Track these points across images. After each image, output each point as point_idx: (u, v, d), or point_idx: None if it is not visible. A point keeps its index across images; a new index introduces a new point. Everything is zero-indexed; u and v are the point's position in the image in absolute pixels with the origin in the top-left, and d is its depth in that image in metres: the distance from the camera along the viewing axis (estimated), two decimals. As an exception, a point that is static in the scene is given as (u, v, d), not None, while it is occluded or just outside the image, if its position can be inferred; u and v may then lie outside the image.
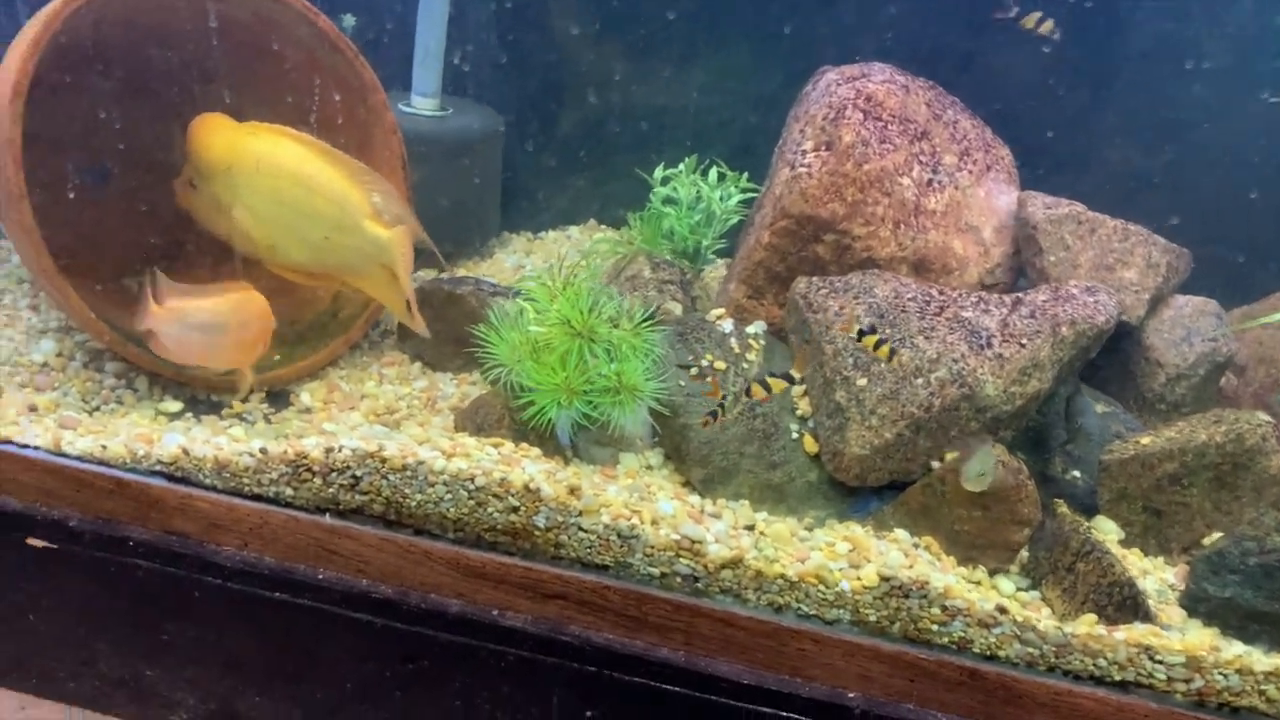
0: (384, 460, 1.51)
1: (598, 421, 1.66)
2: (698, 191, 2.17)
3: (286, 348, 2.00)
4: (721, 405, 1.54)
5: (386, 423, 1.87)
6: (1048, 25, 1.85)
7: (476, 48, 2.54)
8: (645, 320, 1.69)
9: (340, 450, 1.52)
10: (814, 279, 1.80)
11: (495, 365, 1.70)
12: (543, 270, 2.01)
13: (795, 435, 1.72)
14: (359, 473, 1.51)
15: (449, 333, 1.98)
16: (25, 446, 1.55)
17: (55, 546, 1.52)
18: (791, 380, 1.52)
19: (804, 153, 1.84)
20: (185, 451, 1.54)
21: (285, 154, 1.76)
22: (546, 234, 2.71)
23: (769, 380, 1.51)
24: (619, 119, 2.58)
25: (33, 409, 1.69)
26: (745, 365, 1.79)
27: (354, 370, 2.06)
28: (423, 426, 1.83)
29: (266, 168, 1.76)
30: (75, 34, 1.73)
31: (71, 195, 1.94)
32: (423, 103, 2.37)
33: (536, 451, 1.65)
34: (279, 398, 1.93)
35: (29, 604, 1.58)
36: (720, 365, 1.77)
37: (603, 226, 2.72)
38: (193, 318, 1.63)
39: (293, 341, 2.05)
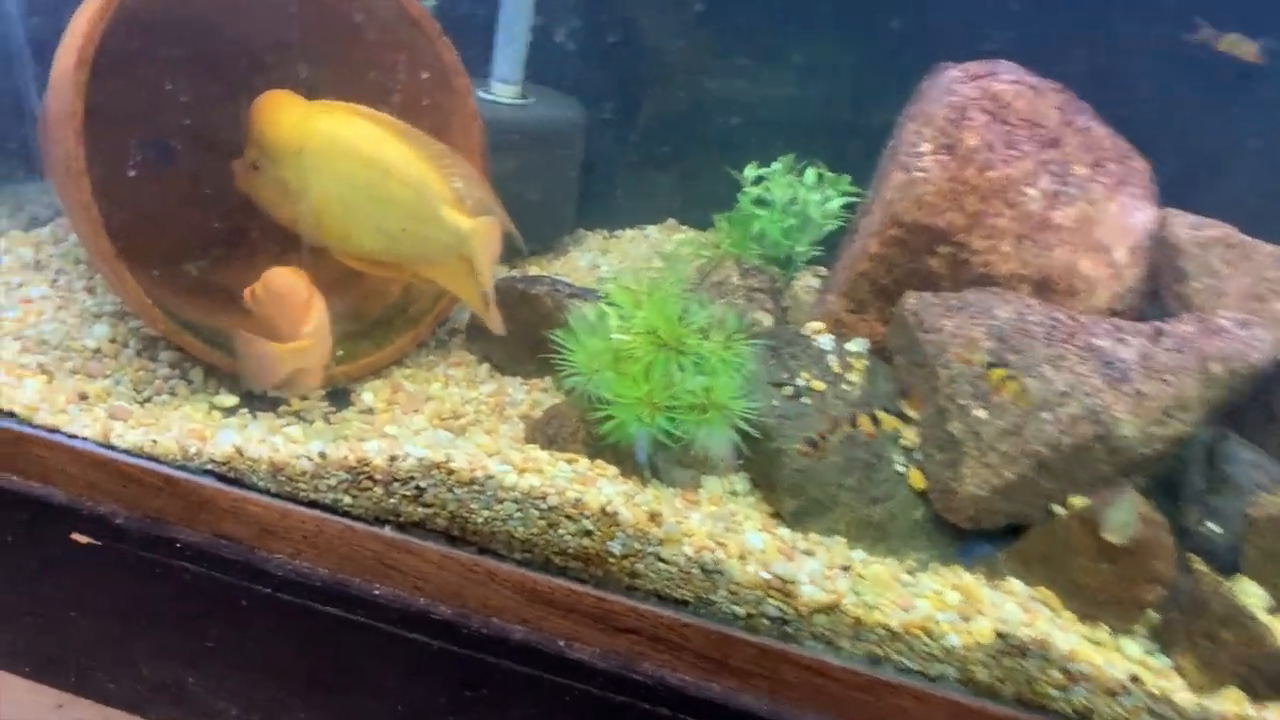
0: (451, 472, 1.44)
1: (681, 441, 1.56)
2: (794, 194, 2.06)
3: (350, 343, 1.92)
4: (823, 435, 1.43)
5: (452, 428, 1.79)
6: (1250, 49, 1.65)
7: (559, 32, 2.44)
8: (738, 332, 1.58)
9: (405, 459, 1.45)
10: (926, 295, 1.67)
11: (572, 373, 1.60)
12: (625, 272, 1.93)
13: (900, 468, 1.60)
14: (423, 484, 1.45)
15: (521, 335, 1.90)
16: (74, 437, 1.52)
17: (100, 543, 1.49)
18: (906, 419, 1.41)
19: (920, 155, 1.72)
20: (239, 451, 1.50)
21: (360, 135, 1.68)
22: (623, 233, 2.62)
23: (880, 415, 1.39)
24: (706, 113, 2.48)
25: (83, 397, 1.65)
26: (846, 387, 1.67)
27: (419, 370, 1.97)
28: (490, 435, 1.75)
29: (339, 150, 1.68)
30: (143, 1, 1.68)
31: (132, 173, 1.89)
32: (503, 89, 2.29)
33: (613, 470, 1.56)
34: (340, 396, 1.86)
35: (70, 600, 1.56)
36: (818, 385, 1.66)
37: (683, 227, 2.62)
38: (325, 326, 1.60)
39: (357, 337, 1.97)
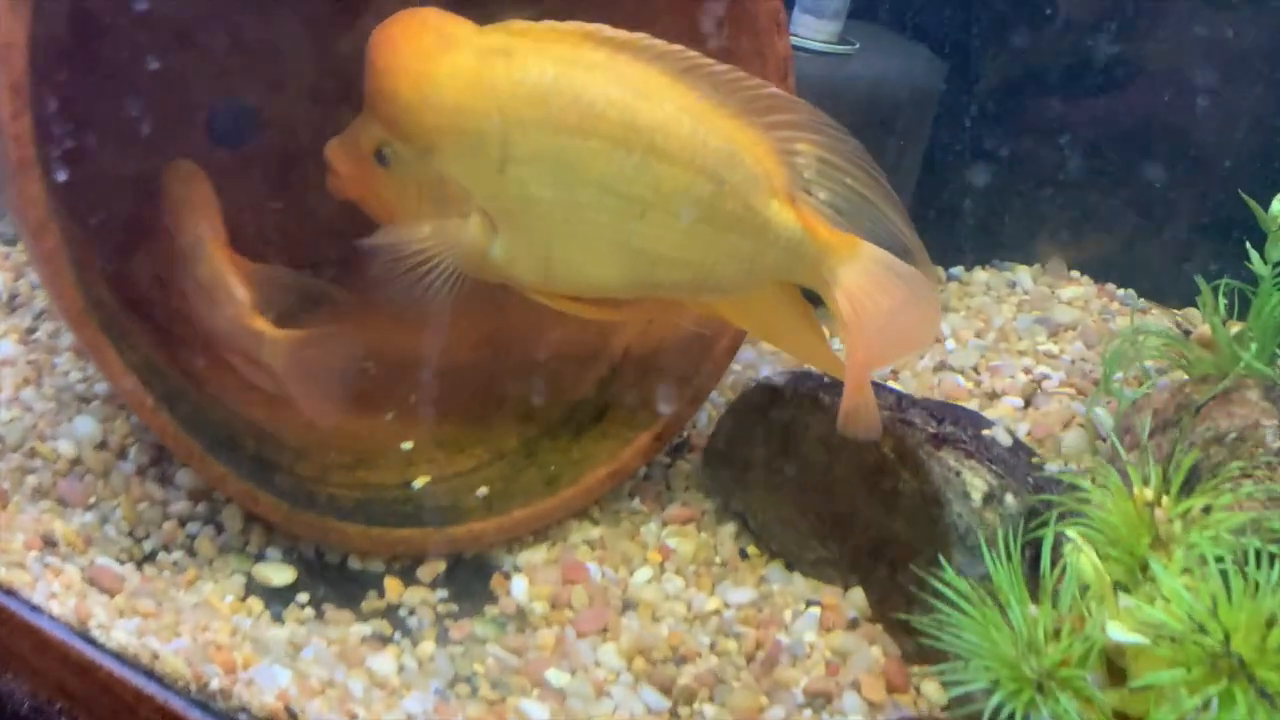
0: None
1: None
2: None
3: (497, 470, 1.32)
4: None
5: (671, 688, 1.10)
6: None
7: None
8: None
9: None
10: None
11: (979, 668, 0.86)
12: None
13: None
14: None
15: (811, 486, 1.24)
16: (36, 610, 1.17)
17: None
18: None
19: None
20: (290, 713, 1.04)
21: (598, 81, 1.08)
22: (970, 274, 1.97)
23: None
24: (1141, 91, 1.87)
25: (49, 543, 1.24)
26: None
27: (615, 529, 1.32)
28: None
29: (561, 115, 1.09)
30: None
31: (143, 157, 1.28)
32: (815, 27, 1.74)
33: None
34: (471, 575, 1.26)
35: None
36: None
37: (1074, 274, 1.96)
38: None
39: (513, 459, 1.33)
